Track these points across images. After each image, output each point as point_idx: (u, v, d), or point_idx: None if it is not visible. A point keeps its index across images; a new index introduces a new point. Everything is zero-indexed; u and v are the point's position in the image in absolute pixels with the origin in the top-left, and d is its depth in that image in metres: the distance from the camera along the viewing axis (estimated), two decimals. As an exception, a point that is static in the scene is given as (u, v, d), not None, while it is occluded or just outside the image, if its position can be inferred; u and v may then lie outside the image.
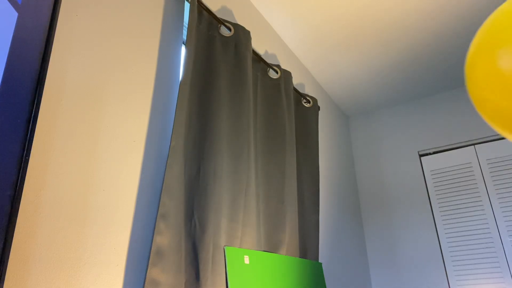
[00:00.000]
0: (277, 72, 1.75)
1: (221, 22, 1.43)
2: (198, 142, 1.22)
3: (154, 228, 0.99)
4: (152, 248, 0.96)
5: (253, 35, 1.77)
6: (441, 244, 2.48)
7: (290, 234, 1.52)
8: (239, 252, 1.23)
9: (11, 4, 0.74)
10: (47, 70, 0.80)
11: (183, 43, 1.41)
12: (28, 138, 0.73)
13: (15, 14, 0.74)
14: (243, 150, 1.35)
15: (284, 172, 1.59)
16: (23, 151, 0.71)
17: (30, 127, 0.74)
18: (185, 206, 1.11)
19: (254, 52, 1.64)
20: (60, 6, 0.85)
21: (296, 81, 2.20)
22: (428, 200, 2.61)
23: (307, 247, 1.69)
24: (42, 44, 0.79)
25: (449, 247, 2.45)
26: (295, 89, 1.95)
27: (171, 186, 1.04)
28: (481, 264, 2.33)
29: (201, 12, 1.36)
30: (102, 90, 0.99)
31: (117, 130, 1.01)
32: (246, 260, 1.25)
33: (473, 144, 2.58)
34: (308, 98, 2.02)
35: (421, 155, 2.74)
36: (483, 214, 2.40)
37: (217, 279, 1.10)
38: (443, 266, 2.43)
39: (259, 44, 1.83)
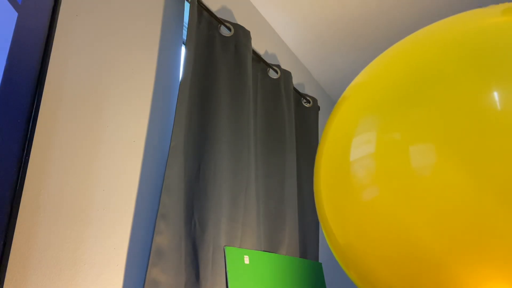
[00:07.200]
0: (277, 72, 1.75)
1: (221, 22, 1.43)
2: (198, 142, 1.22)
3: (154, 228, 0.99)
4: (152, 248, 0.96)
5: (253, 35, 1.77)
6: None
7: (290, 234, 1.52)
8: (239, 252, 1.23)
9: (11, 4, 0.74)
10: (47, 71, 0.80)
11: (183, 43, 1.41)
12: (28, 138, 0.73)
13: (15, 14, 0.74)
14: (243, 150, 1.35)
15: (284, 172, 1.59)
16: (23, 151, 0.71)
17: (30, 127, 0.74)
18: (185, 206, 1.11)
19: (254, 52, 1.63)
20: (60, 6, 0.85)
21: (296, 81, 2.20)
22: (428, 200, 2.60)
23: (307, 247, 1.69)
24: (42, 44, 0.79)
25: (449, 247, 2.44)
26: (295, 89, 1.95)
27: (171, 186, 1.04)
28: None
29: (201, 12, 1.36)
30: (102, 90, 0.99)
31: (117, 130, 1.01)
32: (246, 260, 1.25)
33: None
34: (308, 98, 2.02)
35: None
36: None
37: (217, 279, 1.10)
38: (443, 266, 2.43)
39: (259, 44, 1.83)
